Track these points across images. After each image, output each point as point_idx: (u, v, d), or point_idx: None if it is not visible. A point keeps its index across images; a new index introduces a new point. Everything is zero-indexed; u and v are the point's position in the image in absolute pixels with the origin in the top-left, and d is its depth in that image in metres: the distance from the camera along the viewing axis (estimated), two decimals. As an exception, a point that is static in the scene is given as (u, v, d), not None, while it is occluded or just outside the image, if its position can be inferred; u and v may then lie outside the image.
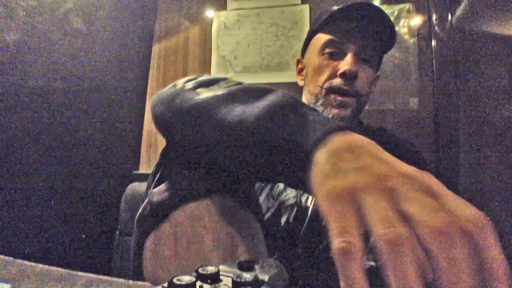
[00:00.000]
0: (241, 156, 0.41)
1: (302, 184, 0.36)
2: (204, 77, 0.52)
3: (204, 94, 0.46)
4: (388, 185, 0.26)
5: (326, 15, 0.84)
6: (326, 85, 0.82)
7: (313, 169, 0.32)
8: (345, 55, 0.81)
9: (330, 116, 0.80)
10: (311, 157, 0.33)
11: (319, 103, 0.83)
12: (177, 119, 0.47)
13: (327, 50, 0.83)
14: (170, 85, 0.54)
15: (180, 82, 0.52)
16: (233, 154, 0.42)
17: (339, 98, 0.80)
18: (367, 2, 0.82)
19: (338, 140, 0.33)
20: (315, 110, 0.40)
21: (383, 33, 0.82)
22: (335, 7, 0.83)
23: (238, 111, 0.41)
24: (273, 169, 0.39)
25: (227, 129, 0.40)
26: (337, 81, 0.80)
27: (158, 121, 0.52)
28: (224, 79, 0.50)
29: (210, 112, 0.43)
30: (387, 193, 0.26)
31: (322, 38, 0.85)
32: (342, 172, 0.29)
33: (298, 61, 0.98)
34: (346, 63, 0.79)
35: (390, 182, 0.26)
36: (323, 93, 0.82)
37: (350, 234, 0.24)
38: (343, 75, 0.79)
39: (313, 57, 0.87)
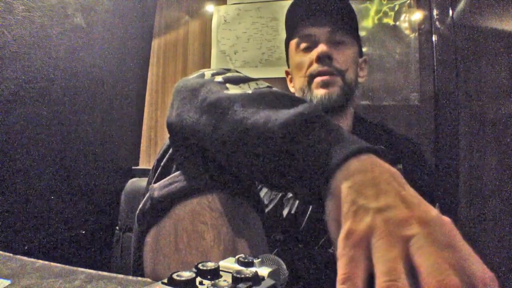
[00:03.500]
0: (255, 161, 0.39)
1: (310, 200, 0.36)
2: (234, 74, 0.51)
3: (233, 90, 0.45)
4: (405, 233, 0.26)
5: (285, 22, 0.91)
6: (307, 73, 0.85)
7: (332, 200, 0.32)
8: (316, 45, 0.85)
9: (319, 97, 0.82)
10: (331, 181, 0.33)
11: (306, 92, 0.86)
12: (200, 108, 0.45)
13: (301, 47, 0.88)
14: (196, 74, 0.53)
15: (208, 74, 0.52)
16: (247, 157, 0.40)
17: (320, 78, 0.83)
18: None
19: (361, 167, 0.32)
20: (342, 128, 0.38)
21: (340, 10, 0.86)
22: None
23: (265, 114, 0.39)
24: (285, 180, 0.38)
25: (250, 129, 0.39)
26: (314, 67, 0.84)
27: (179, 107, 0.50)
28: (255, 79, 0.49)
29: (236, 109, 0.41)
30: (402, 242, 0.26)
31: (294, 41, 0.90)
32: (362, 212, 0.28)
33: (287, 73, 1.03)
34: (318, 48, 0.83)
35: (408, 230, 0.26)
36: (306, 82, 0.86)
37: (353, 284, 0.25)
38: (318, 59, 0.83)
39: (292, 59, 0.92)
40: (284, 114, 0.38)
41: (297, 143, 0.36)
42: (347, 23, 0.87)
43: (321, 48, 0.82)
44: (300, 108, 0.38)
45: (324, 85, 0.82)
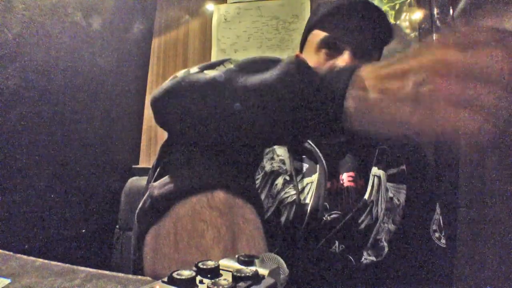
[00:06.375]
0: (268, 117, 0.43)
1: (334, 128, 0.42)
2: (207, 62, 0.53)
3: (214, 72, 0.47)
4: None
5: (322, 11, 0.81)
6: None
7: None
8: (341, 53, 0.77)
9: None
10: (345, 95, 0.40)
11: None
12: (191, 94, 0.47)
13: (323, 48, 0.80)
14: (169, 79, 0.53)
15: (181, 72, 0.52)
16: (260, 118, 0.44)
17: None
18: (364, 0, 0.78)
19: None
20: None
21: (380, 31, 0.79)
22: (330, 3, 0.79)
23: (255, 77, 0.43)
24: (304, 120, 0.43)
25: (251, 92, 0.43)
26: None
27: (168, 107, 0.51)
28: (227, 59, 0.52)
29: (228, 82, 0.45)
30: None
31: (319, 35, 0.81)
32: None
33: (297, 57, 0.95)
34: (342, 61, 0.76)
35: None
36: None
37: None
38: None
39: (310, 54, 0.84)
40: (272, 73, 0.43)
41: (296, 85, 0.43)
42: (378, 42, 0.81)
43: (346, 63, 0.74)
44: (280, 66, 0.44)
45: None
